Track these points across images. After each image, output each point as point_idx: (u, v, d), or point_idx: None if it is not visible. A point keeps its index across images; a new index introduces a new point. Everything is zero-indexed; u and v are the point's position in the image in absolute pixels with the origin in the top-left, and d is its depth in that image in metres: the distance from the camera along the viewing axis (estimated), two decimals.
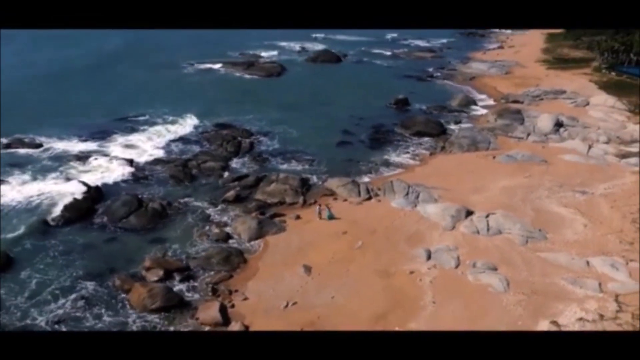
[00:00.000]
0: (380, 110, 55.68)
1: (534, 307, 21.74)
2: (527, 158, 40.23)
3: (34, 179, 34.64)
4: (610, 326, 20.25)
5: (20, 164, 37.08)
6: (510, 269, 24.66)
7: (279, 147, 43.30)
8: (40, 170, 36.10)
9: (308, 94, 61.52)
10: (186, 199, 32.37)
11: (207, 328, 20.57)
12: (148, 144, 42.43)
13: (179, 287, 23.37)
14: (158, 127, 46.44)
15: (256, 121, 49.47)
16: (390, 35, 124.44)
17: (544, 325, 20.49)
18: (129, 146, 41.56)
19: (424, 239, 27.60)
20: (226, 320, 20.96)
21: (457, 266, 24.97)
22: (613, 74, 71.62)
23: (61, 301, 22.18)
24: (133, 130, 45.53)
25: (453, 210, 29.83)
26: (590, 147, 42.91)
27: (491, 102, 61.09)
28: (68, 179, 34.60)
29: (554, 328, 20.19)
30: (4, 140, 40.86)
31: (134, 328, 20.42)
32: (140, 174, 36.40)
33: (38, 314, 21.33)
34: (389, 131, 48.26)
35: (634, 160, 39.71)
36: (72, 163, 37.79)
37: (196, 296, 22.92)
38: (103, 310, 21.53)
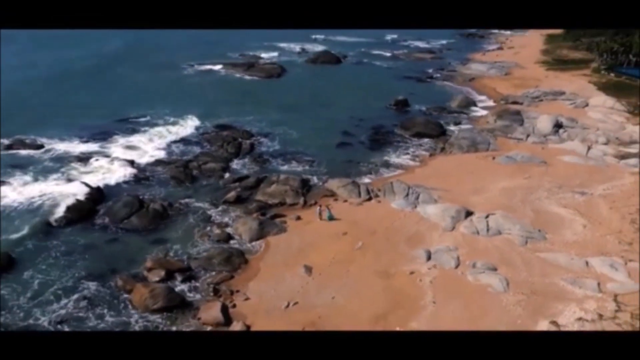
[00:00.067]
0: (380, 111, 55.85)
1: (533, 307, 21.88)
2: (527, 159, 40.40)
3: (36, 180, 34.77)
4: (609, 326, 20.40)
5: (21, 165, 37.22)
6: (509, 269, 24.81)
7: (280, 148, 43.45)
8: (42, 171, 36.22)
9: (308, 95, 61.70)
10: (187, 200, 32.50)
11: (209, 328, 20.69)
12: (149, 145, 42.57)
13: (180, 287, 23.50)
14: (159, 128, 46.58)
15: (256, 122, 49.63)
16: (390, 36, 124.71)
17: (543, 325, 20.63)
18: (129, 147, 41.69)
19: (424, 239, 27.74)
20: (228, 320, 21.08)
21: (457, 266, 25.12)
22: (612, 75, 71.83)
23: (63, 301, 22.30)
24: (134, 131, 45.67)
25: (453, 211, 29.98)
26: (589, 148, 43.08)
27: (491, 103, 61.27)
28: (69, 180, 34.73)
29: (553, 328, 20.33)
30: (5, 142, 40.98)
31: (137, 328, 20.55)
32: (141, 174, 36.54)
33: (41, 314, 21.44)
34: (389, 132, 48.42)
35: (633, 161, 39.88)
36: (73, 164, 37.90)
37: (198, 296, 23.05)
38: (105, 311, 21.65)
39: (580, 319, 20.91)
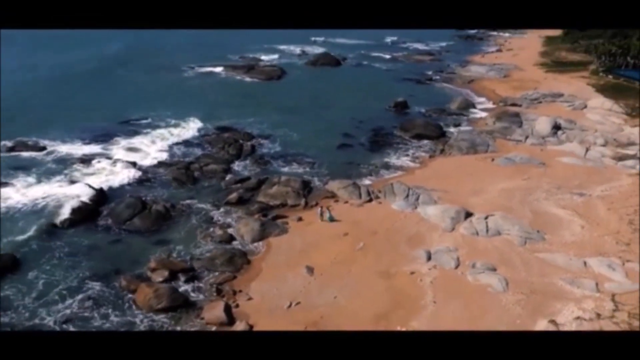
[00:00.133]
0: (379, 113, 56.21)
1: (532, 306, 22.18)
2: (526, 160, 40.75)
3: (39, 181, 35.02)
4: (606, 325, 20.71)
5: (24, 167, 37.45)
6: (509, 269, 25.12)
7: (280, 149, 43.76)
8: (45, 173, 36.47)
9: (308, 97, 62.06)
10: (189, 201, 32.77)
11: (213, 328, 20.94)
12: (150, 147, 42.80)
13: (184, 287, 23.76)
14: (160, 130, 46.85)
15: (257, 124, 49.94)
16: (389, 38, 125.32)
17: (542, 324, 20.93)
18: (131, 149, 41.93)
19: (424, 240, 28.05)
20: (231, 319, 21.35)
21: (457, 267, 25.42)
22: (610, 77, 72.32)
23: (68, 301, 22.52)
24: (135, 133, 45.94)
25: (453, 212, 30.29)
26: (587, 149, 43.45)
27: (490, 105, 61.67)
28: (72, 182, 34.95)
29: (552, 327, 20.63)
30: (8, 143, 41.22)
31: (142, 328, 20.83)
32: (144, 176, 36.77)
33: (46, 313, 21.66)
34: (389, 134, 48.76)
35: (630, 162, 40.25)
36: (75, 166, 38.15)
37: (201, 296, 23.30)
38: (110, 310, 21.90)
39: (578, 318, 21.21)
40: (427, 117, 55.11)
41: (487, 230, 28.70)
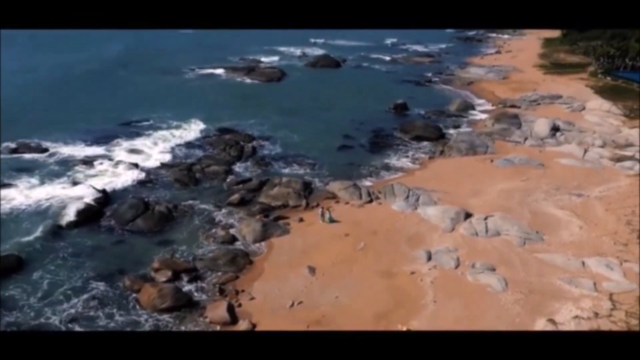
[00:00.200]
0: (379, 114, 56.56)
1: (531, 305, 22.48)
2: (524, 162, 41.08)
3: (42, 183, 35.30)
4: (604, 323, 21.02)
5: (27, 169, 37.72)
6: (508, 269, 25.43)
7: (281, 151, 44.08)
8: (48, 175, 36.74)
9: (308, 99, 62.44)
10: (191, 202, 33.05)
11: (217, 327, 21.21)
12: (152, 149, 43.12)
13: (187, 287, 24.03)
14: (162, 132, 47.18)
15: (258, 126, 50.28)
16: (389, 40, 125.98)
17: (540, 323, 21.22)
18: (133, 151, 42.24)
19: (424, 240, 28.35)
20: (234, 319, 21.63)
21: (456, 267, 25.73)
22: (609, 78, 72.76)
23: (73, 301, 22.78)
24: (137, 134, 46.26)
25: (452, 212, 30.61)
26: (586, 151, 43.78)
27: (489, 106, 62.04)
28: (75, 183, 35.24)
29: (550, 326, 20.94)
30: (11, 145, 41.53)
31: (147, 327, 21.11)
32: (146, 177, 37.05)
33: (51, 313, 21.92)
34: (389, 135, 49.10)
35: (628, 163, 40.59)
36: (78, 167, 38.41)
37: (204, 296, 23.56)
38: (115, 310, 22.16)
39: (576, 317, 21.52)
40: (426, 118, 55.48)
41: (487, 231, 29.01)
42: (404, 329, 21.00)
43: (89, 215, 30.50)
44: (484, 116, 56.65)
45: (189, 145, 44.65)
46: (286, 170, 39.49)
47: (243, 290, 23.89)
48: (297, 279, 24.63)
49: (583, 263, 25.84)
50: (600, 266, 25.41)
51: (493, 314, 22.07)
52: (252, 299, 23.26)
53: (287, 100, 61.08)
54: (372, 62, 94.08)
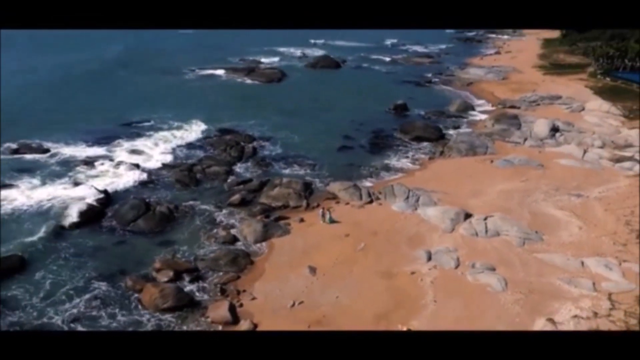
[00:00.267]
0: (379, 115, 56.73)
1: (530, 305, 22.62)
2: (524, 162, 41.23)
3: (43, 183, 35.41)
4: (603, 323, 21.16)
5: (28, 169, 37.83)
6: (508, 269, 25.57)
7: (282, 152, 44.21)
8: (49, 175, 36.84)
9: (308, 100, 62.60)
10: (192, 203, 33.17)
11: (219, 327, 21.33)
12: (153, 149, 43.23)
13: (189, 287, 24.15)
14: (163, 133, 47.32)
15: (258, 126, 50.42)
16: (389, 40, 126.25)
17: (540, 323, 21.36)
18: (134, 151, 42.35)
19: (424, 240, 28.50)
20: (235, 319, 21.75)
21: (456, 267, 25.87)
22: (608, 79, 72.95)
23: (75, 301, 22.89)
24: (138, 135, 46.39)
25: (452, 213, 30.75)
26: (585, 151, 43.94)
27: (489, 107, 62.22)
28: (76, 184, 35.36)
29: (550, 325, 21.07)
30: (12, 146, 41.67)
31: (149, 326, 21.25)
32: (147, 178, 37.17)
33: (54, 313, 22.03)
34: (389, 136, 49.26)
35: (628, 164, 40.74)
36: (79, 168, 38.51)
37: (206, 296, 23.69)
38: (117, 310, 22.28)
39: (575, 316, 21.66)
40: (426, 119, 55.64)
41: (487, 231, 29.16)
42: (404, 328, 21.14)
43: (91, 216, 30.62)
44: (483, 117, 56.82)
45: (189, 145, 44.79)
46: (287, 171, 39.63)
47: (244, 290, 24.02)
48: (298, 279, 24.76)
49: (582, 263, 25.98)
50: (599, 266, 25.56)
51: (493, 313, 22.21)
52: (254, 299, 23.39)
53: (288, 101, 61.25)
54: (372, 63, 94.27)
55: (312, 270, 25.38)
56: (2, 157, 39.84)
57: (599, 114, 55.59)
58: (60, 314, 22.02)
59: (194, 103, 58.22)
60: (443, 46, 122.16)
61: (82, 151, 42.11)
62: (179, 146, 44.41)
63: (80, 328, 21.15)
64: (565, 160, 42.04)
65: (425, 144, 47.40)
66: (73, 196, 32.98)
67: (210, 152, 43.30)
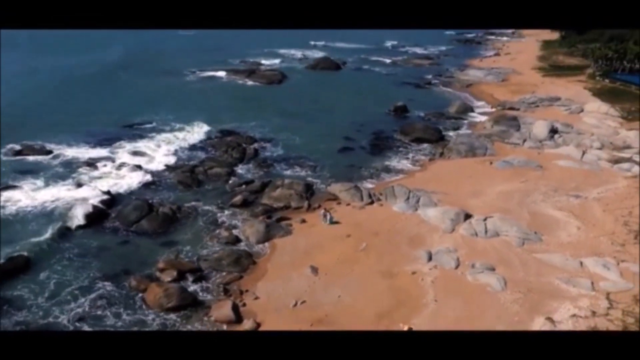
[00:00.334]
0: (379, 117, 57.05)
1: (530, 304, 22.94)
2: (523, 163, 41.56)
3: (47, 184, 35.71)
4: (601, 322, 21.48)
5: (31, 170, 38.14)
6: (507, 269, 25.89)
7: (283, 153, 44.53)
8: (52, 176, 37.16)
9: (309, 101, 62.92)
10: (195, 204, 33.48)
11: (224, 326, 21.64)
12: (155, 151, 43.52)
13: (192, 287, 24.47)
14: (164, 134, 47.62)
15: (259, 128, 50.74)
16: (389, 42, 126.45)
17: (539, 322, 21.69)
18: (136, 153, 42.64)
19: (424, 241, 28.81)
20: (239, 318, 22.06)
21: (457, 267, 26.19)
22: (607, 81, 73.28)
23: (80, 300, 23.21)
24: (140, 137, 46.68)
25: (452, 213, 31.07)
26: (584, 152, 44.28)
27: (488, 109, 62.55)
28: (79, 185, 35.66)
29: (548, 324, 21.38)
30: (16, 147, 41.97)
31: (154, 325, 21.56)
32: (149, 179, 37.50)
33: (59, 312, 22.35)
34: (389, 137, 49.60)
35: (626, 165, 41.08)
36: (82, 169, 38.79)
37: (209, 296, 24.01)
38: (122, 310, 22.59)
39: (574, 315, 21.98)
40: (426, 120, 55.97)
41: (486, 232, 29.48)
42: (406, 328, 21.44)
43: (94, 217, 30.89)
44: (483, 118, 57.17)
45: (191, 147, 45.10)
46: (288, 172, 39.95)
47: (247, 290, 24.33)
48: (300, 279, 25.07)
49: (581, 263, 26.31)
50: (597, 266, 25.89)
51: (493, 312, 22.52)
52: (256, 298, 23.70)
53: (288, 103, 61.56)
54: (372, 65, 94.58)
55: (314, 270, 25.69)
56: (6, 158, 40.16)
57: (597, 115, 55.94)
58: (66, 314, 22.33)
59: (195, 105, 58.50)
60: (443, 48, 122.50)
61: (84, 153, 42.39)
62: (180, 147, 44.71)
63: (86, 327, 21.48)
64: (564, 162, 42.38)
65: (425, 145, 47.73)
66: (76, 197, 33.30)
67: (211, 153, 43.62)
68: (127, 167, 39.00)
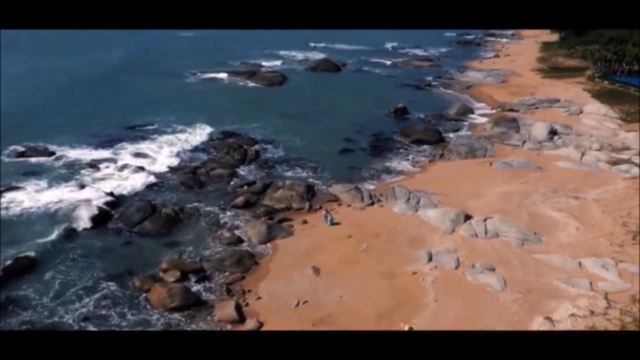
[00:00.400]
0: (380, 118, 57.38)
1: (529, 304, 23.22)
2: (523, 165, 41.85)
3: (50, 186, 36.00)
4: (600, 321, 21.76)
5: (35, 172, 38.44)
6: (507, 269, 26.17)
7: (284, 154, 44.83)
8: (55, 178, 37.44)
9: (309, 103, 63.24)
10: (197, 205, 33.76)
11: (228, 326, 21.91)
12: (157, 152, 43.81)
13: (195, 287, 24.74)
14: (166, 136, 47.95)
15: (260, 129, 51.04)
16: (389, 44, 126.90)
17: (538, 321, 21.96)
18: (139, 154, 42.93)
19: (425, 241, 29.10)
20: (242, 317, 22.35)
21: (457, 267, 26.47)
22: (606, 82, 73.62)
23: (85, 300, 23.49)
24: (142, 138, 46.99)
25: (452, 214, 31.36)
26: (583, 154, 44.58)
27: (488, 110, 62.89)
28: (82, 186, 35.94)
29: (547, 323, 21.66)
30: (19, 149, 42.25)
31: (159, 325, 21.83)
32: (152, 180, 37.79)
33: (64, 312, 22.63)
34: (389, 139, 49.91)
35: (625, 166, 41.39)
36: (84, 171, 39.11)
37: (212, 296, 24.28)
38: (126, 310, 22.86)
39: (573, 315, 22.26)
40: (426, 122, 56.29)
41: (486, 232, 29.76)
42: (406, 327, 21.70)
43: (98, 218, 31.13)
44: (483, 120, 57.47)
45: (193, 148, 45.40)
46: (289, 173, 40.23)
47: (250, 290, 24.60)
48: (302, 279, 25.34)
49: (580, 263, 26.59)
50: (596, 266, 26.17)
51: (492, 312, 22.79)
52: (259, 298, 23.97)
53: (289, 104, 61.88)
54: (372, 66, 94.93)
55: (316, 270, 25.96)
56: (8, 159, 40.46)
57: (596, 117, 56.27)
58: (71, 313, 22.62)
59: (197, 106, 58.82)
60: (442, 49, 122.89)
61: (87, 154, 42.68)
62: (182, 149, 45.00)
63: (90, 327, 21.73)
64: (563, 163, 42.68)
65: (425, 146, 48.03)
66: (80, 199, 33.57)
67: (213, 154, 43.91)
68: (130, 169, 39.29)
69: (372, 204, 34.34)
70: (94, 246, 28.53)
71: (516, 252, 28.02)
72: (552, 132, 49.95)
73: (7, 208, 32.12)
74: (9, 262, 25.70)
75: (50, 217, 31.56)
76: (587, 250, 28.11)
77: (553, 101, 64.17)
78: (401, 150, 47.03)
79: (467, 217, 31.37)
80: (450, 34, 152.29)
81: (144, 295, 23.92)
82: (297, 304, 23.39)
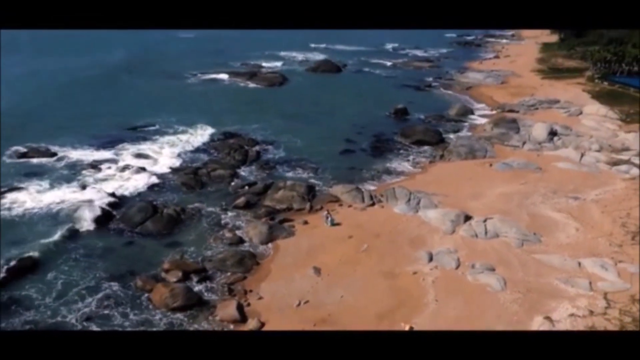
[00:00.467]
0: (380, 119, 57.55)
1: (529, 304, 23.37)
2: (523, 166, 42.02)
3: (52, 187, 36.15)
4: (599, 321, 21.91)
5: (36, 173, 38.60)
6: (507, 269, 26.33)
7: (285, 155, 44.99)
8: (57, 179, 37.60)
9: (310, 104, 63.40)
10: (198, 205, 33.92)
11: (231, 326, 22.07)
12: (158, 153, 43.96)
13: (197, 287, 24.90)
14: (168, 137, 48.11)
15: (261, 130, 51.20)
16: (389, 45, 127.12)
17: (538, 321, 22.11)
18: (140, 155, 43.07)
19: (425, 242, 29.25)
20: (243, 317, 22.50)
21: (457, 267, 26.63)
22: (606, 83, 73.79)
23: (87, 300, 23.64)
24: (143, 139, 47.13)
25: (453, 215, 31.51)
26: (582, 155, 44.74)
27: (488, 111, 63.06)
28: (84, 187, 36.09)
29: (547, 323, 21.81)
30: (21, 149, 42.41)
31: (161, 324, 21.99)
32: (153, 181, 37.92)
33: (67, 312, 22.77)
34: (390, 140, 50.08)
35: (624, 167, 41.54)
36: (86, 171, 39.27)
37: (214, 296, 24.44)
38: (128, 309, 23.01)
39: (572, 315, 22.41)
40: (426, 123, 56.45)
41: (486, 233, 29.92)
42: (407, 327, 21.85)
43: (100, 219, 31.27)
44: (483, 121, 57.63)
45: (194, 149, 45.54)
46: (290, 174, 40.39)
47: (251, 290, 24.76)
48: (303, 279, 25.50)
49: (579, 263, 26.75)
50: (595, 266, 26.33)
51: (492, 312, 22.94)
52: (260, 298, 24.13)
53: (289, 105, 62.05)
54: (372, 67, 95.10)
55: (317, 270, 26.12)
56: (10, 160, 40.63)
57: (596, 117, 56.43)
58: (73, 313, 22.76)
59: (198, 107, 59.00)
60: (443, 50, 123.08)
61: (88, 155, 42.83)
62: (184, 150, 45.13)
63: (93, 327, 21.88)
64: (563, 164, 42.83)
65: (425, 147, 48.19)
66: (81, 199, 33.71)
67: (214, 155, 44.07)
68: (131, 170, 39.44)
69: (373, 204, 34.49)
70: (96, 246, 28.68)
71: (516, 252, 28.18)
72: (552, 133, 50.12)
73: (9, 209, 32.27)
74: (12, 263, 25.82)
75: (52, 217, 31.71)
76: (586, 250, 28.27)
77: (553, 102, 64.33)
78: (401, 151, 47.20)
79: (467, 218, 31.53)
80: (450, 34, 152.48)
81: (146, 295, 24.07)
82: (299, 304, 23.54)
